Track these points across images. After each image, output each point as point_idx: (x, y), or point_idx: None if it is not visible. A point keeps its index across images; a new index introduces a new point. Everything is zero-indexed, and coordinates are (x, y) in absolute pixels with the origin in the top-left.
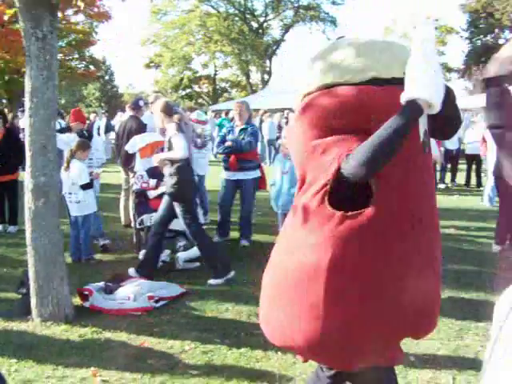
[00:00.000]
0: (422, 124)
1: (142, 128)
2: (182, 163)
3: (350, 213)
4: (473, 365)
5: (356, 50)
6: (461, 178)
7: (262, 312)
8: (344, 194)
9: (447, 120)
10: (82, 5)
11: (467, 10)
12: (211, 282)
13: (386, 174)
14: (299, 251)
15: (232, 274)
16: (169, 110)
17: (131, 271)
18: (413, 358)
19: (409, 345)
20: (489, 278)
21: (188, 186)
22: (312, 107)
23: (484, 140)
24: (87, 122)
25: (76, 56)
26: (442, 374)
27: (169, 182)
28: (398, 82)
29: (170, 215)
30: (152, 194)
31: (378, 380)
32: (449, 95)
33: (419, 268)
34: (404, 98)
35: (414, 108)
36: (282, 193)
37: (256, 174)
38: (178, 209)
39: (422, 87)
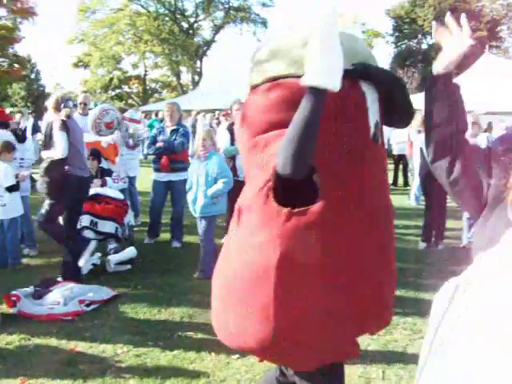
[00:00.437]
0: (373, 115)
1: None
2: (51, 160)
3: (296, 209)
4: (401, 359)
5: (301, 41)
6: (388, 177)
7: (215, 315)
8: (292, 189)
9: (401, 107)
10: None
11: (392, 16)
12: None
13: (331, 168)
14: (247, 251)
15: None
16: (57, 106)
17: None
18: None
19: None
20: (415, 275)
21: (56, 183)
22: (253, 102)
23: (410, 140)
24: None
25: None
26: (373, 368)
27: (40, 179)
28: (346, 75)
29: (71, 215)
30: None
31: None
32: (397, 84)
33: (372, 261)
34: (302, 83)
35: (314, 92)
36: (198, 196)
37: (187, 175)
38: (45, 202)
39: (317, 73)
